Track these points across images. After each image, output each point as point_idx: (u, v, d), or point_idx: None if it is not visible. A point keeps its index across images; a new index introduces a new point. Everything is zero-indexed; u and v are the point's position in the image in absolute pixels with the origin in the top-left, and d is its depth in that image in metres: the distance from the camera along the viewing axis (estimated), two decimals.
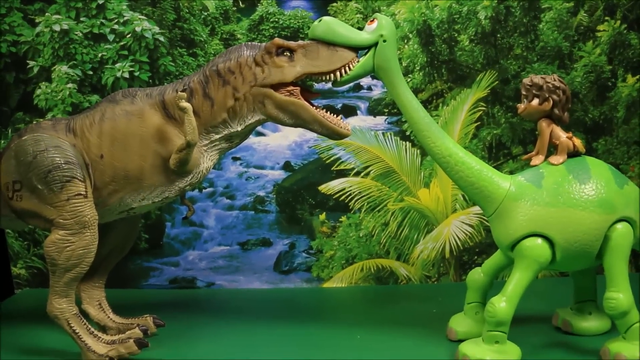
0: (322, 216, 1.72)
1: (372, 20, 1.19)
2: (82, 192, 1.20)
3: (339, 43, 1.18)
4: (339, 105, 1.69)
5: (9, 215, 1.28)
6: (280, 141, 1.70)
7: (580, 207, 1.16)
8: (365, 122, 1.69)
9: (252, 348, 1.30)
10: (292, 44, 1.20)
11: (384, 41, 1.17)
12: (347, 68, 1.18)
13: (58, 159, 1.20)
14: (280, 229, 1.72)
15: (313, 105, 1.21)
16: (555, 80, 1.21)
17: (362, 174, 1.70)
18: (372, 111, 1.69)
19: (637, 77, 1.68)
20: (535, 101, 1.21)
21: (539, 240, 1.17)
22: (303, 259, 1.72)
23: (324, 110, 1.21)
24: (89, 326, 1.23)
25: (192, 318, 1.46)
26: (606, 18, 1.66)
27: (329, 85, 1.23)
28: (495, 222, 1.21)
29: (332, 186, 1.70)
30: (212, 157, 1.27)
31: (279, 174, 1.71)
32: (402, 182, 1.70)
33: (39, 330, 1.37)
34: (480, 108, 1.68)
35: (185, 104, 1.18)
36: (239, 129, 1.24)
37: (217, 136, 1.24)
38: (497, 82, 1.68)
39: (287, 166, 1.71)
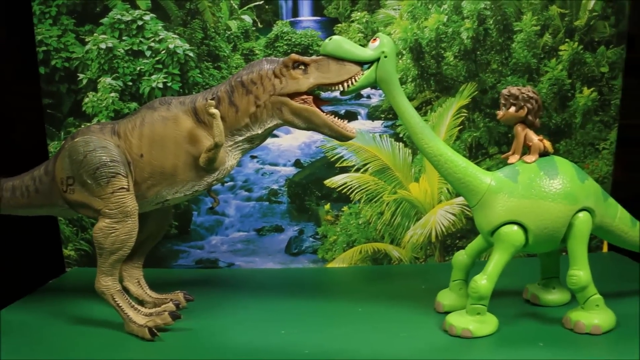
0: (327, 206, 1.70)
1: (375, 39, 1.18)
2: (125, 186, 1.19)
3: (347, 58, 1.17)
4: (343, 111, 1.68)
5: (62, 206, 1.27)
6: (292, 142, 1.68)
7: (550, 199, 1.16)
8: (364, 126, 1.67)
9: (267, 319, 1.29)
10: (306, 58, 1.19)
11: (385, 57, 1.16)
12: (353, 80, 1.17)
13: (104, 157, 1.19)
14: (290, 217, 1.71)
15: (324, 112, 1.20)
16: (529, 91, 1.20)
17: (361, 170, 1.69)
18: (371, 116, 1.68)
19: (592, 89, 1.67)
20: (512, 109, 1.20)
21: (515, 227, 1.16)
22: (310, 243, 1.71)
23: (333, 115, 1.20)
24: (130, 300, 1.23)
25: (215, 294, 1.45)
26: (566, 40, 1.65)
27: (334, 94, 1.22)
28: (477, 212, 1.20)
29: (336, 180, 1.69)
30: (235, 156, 1.25)
31: (290, 170, 1.69)
32: (395, 177, 1.69)
33: (87, 303, 1.36)
34: (462, 114, 1.67)
35: (214, 110, 1.17)
36: (260, 131, 1.22)
37: (241, 138, 1.23)
38: (476, 92, 1.67)
39: (297, 163, 1.69)
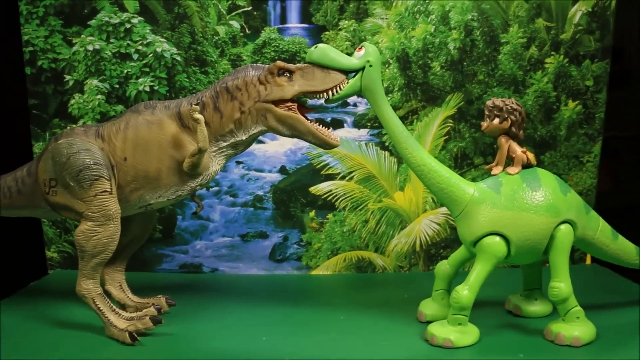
0: (312, 213, 1.70)
1: (360, 48, 1.18)
2: (108, 189, 1.18)
3: (332, 66, 1.17)
4: (329, 119, 1.68)
5: (45, 208, 1.26)
6: (277, 148, 1.68)
7: (532, 210, 1.16)
8: (350, 134, 1.67)
9: (250, 325, 1.29)
10: (291, 66, 1.19)
11: (370, 66, 1.16)
12: (338, 88, 1.17)
13: (88, 160, 1.18)
14: (275, 223, 1.71)
15: (308, 119, 1.20)
16: (513, 103, 1.21)
17: (346, 178, 1.69)
18: (357, 124, 1.68)
19: (576, 102, 1.69)
20: (496, 120, 1.21)
21: (497, 238, 1.16)
22: (294, 250, 1.71)
23: (317, 123, 1.20)
24: (112, 304, 1.22)
25: (199, 299, 1.44)
26: (552, 52, 1.67)
27: (321, 101, 1.22)
28: (460, 222, 1.20)
29: (321, 188, 1.69)
30: (219, 162, 1.25)
31: (276, 177, 1.69)
32: (380, 186, 1.69)
33: (68, 306, 1.35)
34: (448, 124, 1.68)
35: (198, 115, 1.17)
36: (244, 138, 1.22)
37: (225, 144, 1.23)
38: (463, 102, 1.67)
39: (282, 170, 1.69)
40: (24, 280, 1.57)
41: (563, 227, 1.18)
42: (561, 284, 1.16)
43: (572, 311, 1.17)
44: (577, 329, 1.16)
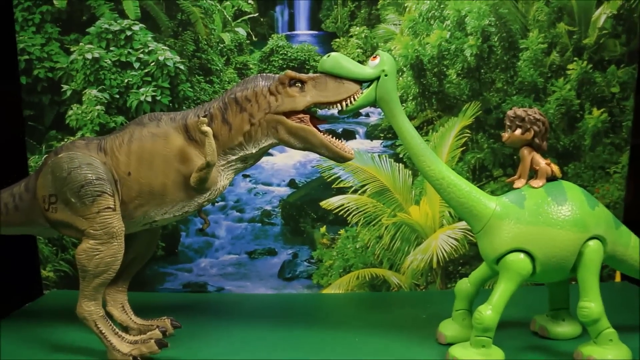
0: (323, 229, 1.70)
1: (375, 57, 1.19)
2: (111, 206, 1.19)
3: (345, 76, 1.18)
4: (340, 130, 1.69)
5: (43, 225, 1.26)
6: (286, 161, 1.69)
7: (558, 226, 1.16)
8: (363, 145, 1.68)
9: (258, 348, 1.29)
10: (303, 76, 1.20)
11: (386, 75, 1.17)
12: (352, 99, 1.18)
13: (90, 175, 1.19)
14: (284, 240, 1.71)
15: (321, 131, 1.20)
16: (536, 113, 1.21)
17: (359, 192, 1.69)
18: (370, 135, 1.69)
19: (602, 110, 1.69)
20: (518, 131, 1.21)
21: (522, 255, 1.16)
22: (305, 268, 1.71)
23: (330, 135, 1.21)
24: (114, 327, 1.22)
25: (204, 320, 1.44)
26: (575, 58, 1.67)
27: (332, 111, 1.22)
28: (482, 238, 1.21)
29: (332, 202, 1.69)
30: (228, 176, 1.26)
31: (285, 191, 1.70)
32: (395, 200, 1.69)
33: (67, 328, 1.35)
34: (465, 134, 1.68)
35: (206, 127, 1.18)
36: (254, 151, 1.23)
37: (234, 157, 1.24)
38: (480, 112, 1.68)
39: (292, 183, 1.70)
40: (18, 301, 1.57)
41: (592, 243, 1.18)
42: (591, 304, 1.16)
43: (605, 333, 1.16)
44: (610, 352, 1.16)
